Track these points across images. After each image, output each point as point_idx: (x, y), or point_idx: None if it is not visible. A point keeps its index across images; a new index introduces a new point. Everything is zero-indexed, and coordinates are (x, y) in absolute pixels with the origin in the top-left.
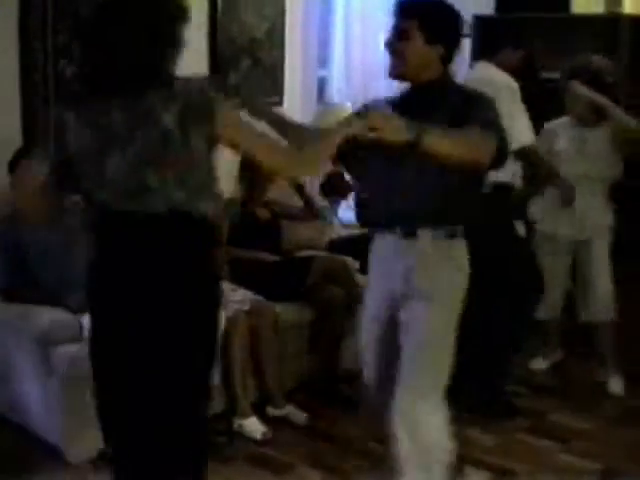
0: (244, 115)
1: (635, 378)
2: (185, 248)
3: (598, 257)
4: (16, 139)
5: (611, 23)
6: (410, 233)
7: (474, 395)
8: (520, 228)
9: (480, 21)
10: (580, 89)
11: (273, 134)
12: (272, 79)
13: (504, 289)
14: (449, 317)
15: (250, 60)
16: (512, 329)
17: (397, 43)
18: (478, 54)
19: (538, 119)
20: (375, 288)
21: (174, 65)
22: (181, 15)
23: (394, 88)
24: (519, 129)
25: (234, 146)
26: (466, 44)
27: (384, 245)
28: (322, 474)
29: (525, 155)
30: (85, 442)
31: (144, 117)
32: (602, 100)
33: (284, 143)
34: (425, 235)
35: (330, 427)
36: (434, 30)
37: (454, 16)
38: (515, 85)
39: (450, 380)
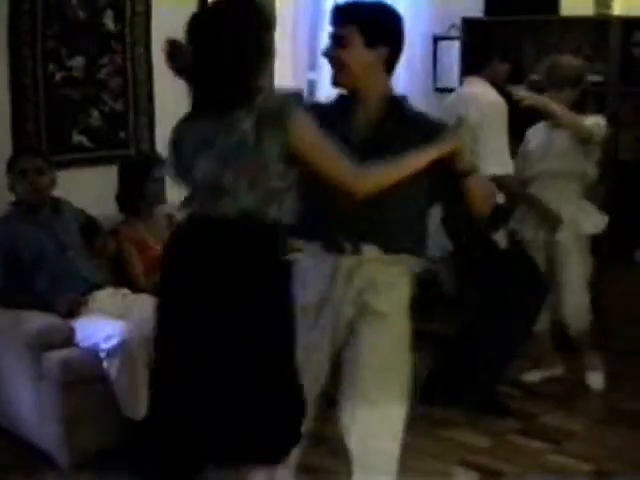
0: (316, 126)
1: (626, 379)
2: (253, 251)
3: (568, 263)
4: (6, 142)
5: (600, 25)
6: (356, 249)
7: (468, 394)
8: (501, 240)
9: (469, 24)
10: (521, 94)
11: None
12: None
13: (503, 295)
14: (404, 332)
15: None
16: (514, 333)
17: (336, 51)
18: (467, 57)
19: (525, 125)
20: (313, 319)
21: (263, 75)
22: (268, 26)
23: None
24: (494, 157)
25: (304, 156)
26: (455, 46)
27: (323, 267)
28: (309, 476)
29: (498, 184)
30: (77, 447)
31: (228, 124)
32: (546, 106)
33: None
34: (372, 251)
35: (319, 429)
36: (374, 32)
37: (395, 17)
38: (500, 106)
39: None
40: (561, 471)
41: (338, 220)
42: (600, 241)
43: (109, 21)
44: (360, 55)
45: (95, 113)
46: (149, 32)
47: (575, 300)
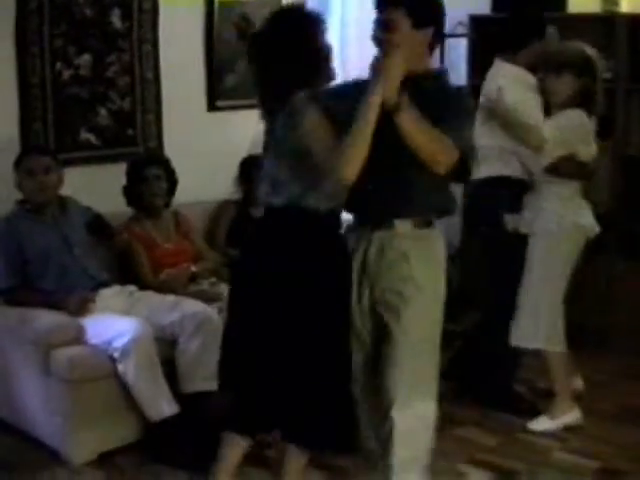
0: (322, 122)
1: (635, 376)
2: (302, 237)
3: (531, 266)
4: (14, 140)
5: (608, 22)
6: (389, 224)
7: (483, 390)
8: (512, 221)
9: (476, 21)
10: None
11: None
12: None
13: (507, 281)
14: (439, 303)
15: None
16: None
17: (385, 35)
18: (475, 54)
19: None
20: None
21: (317, 77)
22: (317, 31)
23: None
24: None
25: (308, 149)
26: (463, 44)
27: (361, 242)
28: (322, 473)
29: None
30: (85, 444)
31: (276, 121)
32: (517, 120)
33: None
34: (404, 226)
35: None
36: (421, 14)
37: None
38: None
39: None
40: (569, 468)
41: (371, 196)
42: (606, 238)
43: (116, 19)
44: (409, 37)
45: (103, 111)
46: (156, 30)
47: (526, 307)
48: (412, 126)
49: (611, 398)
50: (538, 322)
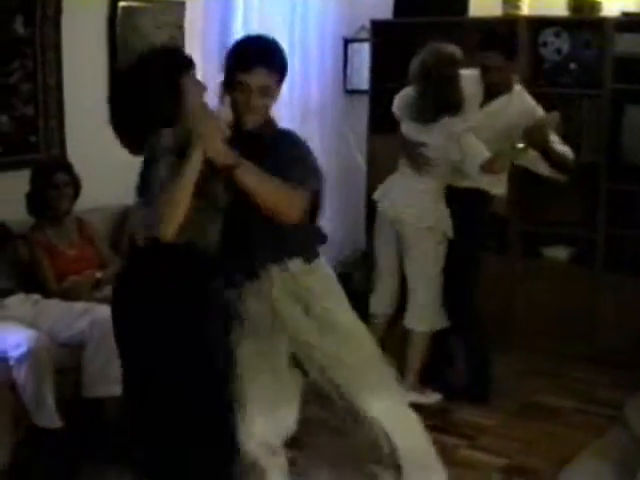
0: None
1: (537, 373)
2: None
3: (409, 257)
4: None
5: (508, 25)
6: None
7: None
8: None
9: (378, 26)
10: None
11: None
12: None
13: None
14: None
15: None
16: None
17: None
18: (377, 59)
19: None
20: None
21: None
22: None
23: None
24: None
25: None
26: (366, 48)
27: None
28: None
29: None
30: None
31: None
32: None
33: None
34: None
35: None
36: (283, 72)
37: None
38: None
39: None
40: (474, 466)
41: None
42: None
43: (19, 25)
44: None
45: (4, 118)
46: (59, 36)
47: (420, 294)
48: (250, 183)
49: (516, 396)
50: (425, 307)
